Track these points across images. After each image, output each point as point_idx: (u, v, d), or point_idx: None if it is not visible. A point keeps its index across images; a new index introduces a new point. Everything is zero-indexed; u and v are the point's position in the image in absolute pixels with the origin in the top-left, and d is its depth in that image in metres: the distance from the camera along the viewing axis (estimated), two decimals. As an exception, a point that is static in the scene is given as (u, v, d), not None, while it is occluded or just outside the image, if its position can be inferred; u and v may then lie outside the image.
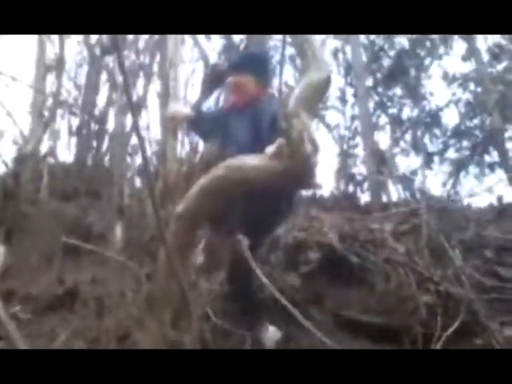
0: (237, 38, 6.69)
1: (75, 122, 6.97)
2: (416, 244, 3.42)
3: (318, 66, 2.06)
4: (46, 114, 5.77)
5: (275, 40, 7.36)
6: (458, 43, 7.79)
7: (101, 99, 7.15)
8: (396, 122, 8.08)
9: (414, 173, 7.81)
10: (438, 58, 7.89)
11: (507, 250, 3.66)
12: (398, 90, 8.02)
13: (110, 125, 6.72)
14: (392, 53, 7.86)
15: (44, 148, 6.02)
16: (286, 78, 7.82)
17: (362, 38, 7.71)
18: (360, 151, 7.66)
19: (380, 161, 6.96)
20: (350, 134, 7.99)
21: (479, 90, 7.68)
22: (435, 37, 7.62)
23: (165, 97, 4.73)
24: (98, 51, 6.94)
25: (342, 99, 8.13)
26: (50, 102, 5.98)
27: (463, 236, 3.79)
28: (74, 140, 7.03)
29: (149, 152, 5.08)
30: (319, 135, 7.91)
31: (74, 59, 7.62)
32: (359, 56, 7.34)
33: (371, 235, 3.56)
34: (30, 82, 6.04)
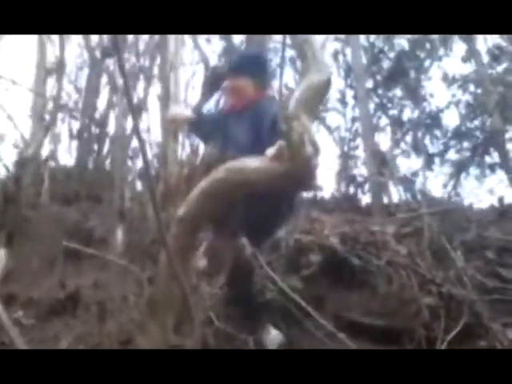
0: (237, 40, 6.71)
1: (76, 125, 6.99)
2: (418, 246, 3.42)
3: (319, 68, 2.06)
4: (47, 117, 5.76)
5: (275, 42, 7.38)
6: (458, 45, 7.79)
7: (101, 102, 7.17)
8: (396, 123, 8.07)
9: (414, 174, 7.80)
10: (438, 59, 7.89)
11: (509, 250, 3.65)
12: (398, 92, 8.01)
13: (111, 128, 6.73)
14: (392, 55, 7.86)
15: (45, 152, 6.03)
16: (286, 80, 7.80)
17: (362, 40, 7.70)
18: (361, 153, 7.66)
19: (381, 162, 6.94)
20: (351, 135, 7.98)
21: (479, 91, 7.67)
22: (435, 38, 7.63)
23: (165, 99, 4.73)
24: (98, 54, 6.95)
25: (343, 101, 8.12)
26: (50, 105, 5.98)
27: (465, 237, 3.78)
28: (74, 143, 7.05)
29: (149, 155, 5.09)
30: (320, 137, 7.90)
31: (74, 62, 7.64)
32: (359, 58, 7.33)
33: (373, 237, 3.55)
34: (31, 86, 6.05)
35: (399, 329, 2.72)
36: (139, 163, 5.41)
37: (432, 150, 7.98)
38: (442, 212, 4.39)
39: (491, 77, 7.50)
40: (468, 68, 7.92)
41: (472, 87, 7.90)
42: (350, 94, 8.05)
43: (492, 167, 7.60)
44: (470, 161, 7.81)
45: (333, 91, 7.88)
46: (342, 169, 7.79)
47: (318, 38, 2.80)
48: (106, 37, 6.54)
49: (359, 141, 7.74)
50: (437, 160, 7.94)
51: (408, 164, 8.11)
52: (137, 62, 6.21)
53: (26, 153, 5.04)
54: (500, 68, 7.72)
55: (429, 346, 2.54)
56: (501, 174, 7.34)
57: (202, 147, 3.84)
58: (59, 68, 5.85)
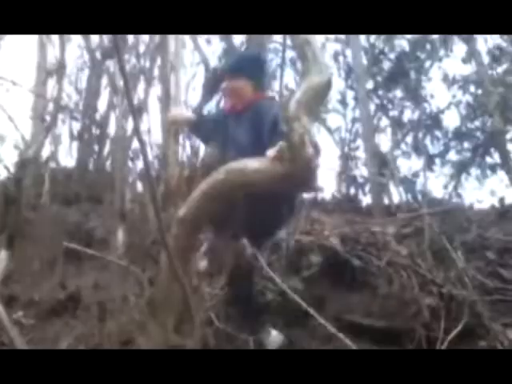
0: (237, 42, 6.71)
1: (76, 126, 6.98)
2: (418, 246, 3.42)
3: (319, 69, 2.06)
4: (48, 118, 5.76)
5: (275, 43, 7.39)
6: (458, 45, 7.79)
7: (102, 103, 7.16)
8: (397, 124, 8.06)
9: (415, 175, 7.79)
10: (439, 60, 7.88)
11: (510, 251, 3.65)
12: (399, 93, 8.01)
13: (112, 129, 6.72)
14: (392, 56, 7.86)
15: (45, 153, 6.03)
16: (287, 82, 7.81)
17: (363, 41, 7.71)
18: (361, 154, 7.66)
19: (381, 163, 6.95)
20: (351, 136, 7.99)
21: (480, 92, 7.67)
22: (435, 39, 7.63)
23: (166, 101, 4.73)
24: (98, 55, 6.95)
25: (343, 102, 8.12)
26: (51, 106, 5.98)
27: (465, 238, 3.78)
28: (75, 144, 7.04)
29: (150, 156, 5.09)
30: (320, 138, 7.91)
31: (74, 64, 7.63)
32: (360, 59, 7.33)
33: (373, 238, 3.55)
34: (31, 87, 6.06)
35: (400, 329, 2.72)
36: (140, 164, 5.40)
37: (432, 150, 7.97)
38: (443, 213, 4.38)
39: (492, 77, 7.50)
40: (468, 69, 7.92)
41: (472, 88, 7.89)
42: (350, 95, 8.08)
43: (493, 168, 7.59)
44: (470, 161, 7.81)
45: (333, 92, 7.90)
46: (342, 170, 7.80)
47: (319, 40, 2.80)
48: (106, 38, 6.54)
49: (360, 142, 7.76)
50: (437, 161, 7.93)
51: (408, 165, 8.08)
52: (137, 64, 6.21)
53: (27, 154, 5.04)
54: (500, 69, 7.73)
55: (429, 346, 2.54)
56: (501, 175, 7.35)
57: (202, 148, 3.86)
58: (60, 69, 5.84)
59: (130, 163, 5.32)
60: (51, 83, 6.10)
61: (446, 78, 8.00)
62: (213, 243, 2.71)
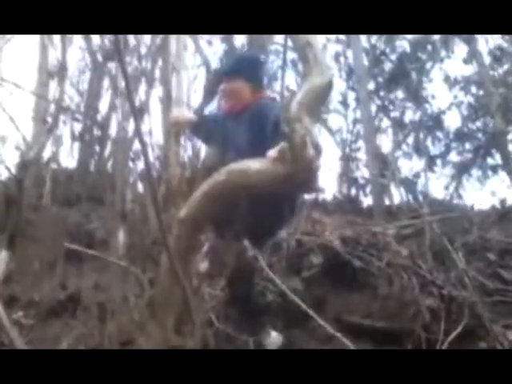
0: (238, 43, 6.71)
1: (78, 127, 6.98)
2: (419, 247, 3.42)
3: (320, 71, 2.06)
4: (49, 119, 5.77)
5: (277, 44, 7.39)
6: (459, 46, 7.79)
7: (103, 105, 7.17)
8: (398, 125, 8.06)
9: (416, 176, 7.79)
10: (440, 61, 7.89)
11: (510, 252, 3.65)
12: (400, 94, 8.02)
13: (113, 130, 6.72)
14: (393, 56, 7.86)
15: (47, 154, 6.03)
16: (288, 83, 7.80)
17: (364, 42, 7.71)
18: (362, 155, 7.65)
19: (382, 164, 6.95)
20: (353, 137, 7.97)
21: (481, 92, 7.67)
22: (436, 40, 7.63)
23: (167, 102, 4.74)
24: (100, 57, 6.96)
25: (344, 103, 8.12)
26: (52, 108, 5.99)
27: (466, 239, 3.78)
28: (76, 146, 7.03)
29: (151, 157, 5.08)
30: (321, 139, 7.91)
31: (76, 65, 7.64)
32: (361, 60, 7.33)
33: (374, 239, 3.55)
34: (33, 89, 6.06)
35: (400, 330, 2.72)
36: (141, 165, 5.39)
37: (434, 151, 7.98)
38: (444, 216, 4.38)
39: (493, 78, 7.50)
40: (470, 69, 7.93)
41: (474, 89, 7.89)
42: (351, 96, 8.07)
43: (494, 169, 7.59)
44: (471, 162, 7.81)
45: (334, 93, 7.93)
46: (343, 171, 7.79)
47: (320, 41, 2.80)
48: (107, 40, 6.54)
49: (361, 143, 7.75)
50: (438, 162, 7.93)
51: (410, 166, 8.08)
52: (139, 65, 6.22)
53: (28, 155, 5.05)
54: (502, 69, 7.73)
55: (429, 347, 2.54)
56: (503, 176, 7.35)
57: (203, 149, 3.86)
58: (61, 71, 5.85)
59: (131, 164, 5.32)
60: (53, 85, 6.12)
61: (447, 79, 8.01)
62: (214, 244, 2.71)
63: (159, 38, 5.65)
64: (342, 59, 8.11)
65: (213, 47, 7.34)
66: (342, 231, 3.62)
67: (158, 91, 5.62)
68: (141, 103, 5.71)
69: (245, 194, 2.08)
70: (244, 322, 2.61)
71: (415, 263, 3.19)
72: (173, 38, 5.06)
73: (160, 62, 5.68)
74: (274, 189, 2.00)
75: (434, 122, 7.94)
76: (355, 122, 7.93)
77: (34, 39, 6.33)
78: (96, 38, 6.84)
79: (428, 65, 7.92)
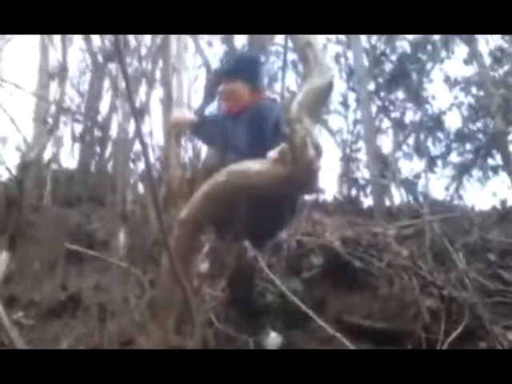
0: (238, 44, 6.71)
1: (78, 128, 6.98)
2: (419, 248, 3.42)
3: (320, 71, 2.06)
4: (50, 120, 5.78)
5: (277, 45, 7.39)
6: (460, 47, 7.80)
7: (104, 106, 7.18)
8: (398, 125, 8.07)
9: (417, 177, 7.80)
10: (440, 61, 7.89)
11: (511, 253, 3.64)
12: (400, 94, 8.02)
13: (113, 131, 6.73)
14: (394, 57, 7.86)
15: (47, 155, 6.04)
16: (289, 84, 7.82)
17: (364, 42, 7.71)
18: (363, 155, 7.66)
19: (383, 165, 6.95)
20: (353, 138, 7.98)
21: (481, 93, 7.67)
22: (437, 40, 7.63)
23: (167, 103, 4.75)
24: (100, 58, 6.97)
25: (345, 104, 8.12)
26: (53, 109, 6.00)
27: (467, 239, 3.78)
28: (77, 146, 7.04)
29: (152, 158, 5.08)
30: (322, 140, 7.91)
31: (76, 66, 7.65)
32: (361, 60, 7.33)
33: (374, 239, 3.55)
34: (33, 90, 6.07)
35: (400, 331, 2.72)
36: (141, 166, 5.40)
37: (434, 152, 7.99)
38: (445, 217, 4.37)
39: (493, 79, 7.50)
40: (470, 70, 7.94)
41: (474, 89, 7.90)
42: (352, 96, 8.08)
43: (494, 169, 7.59)
44: (472, 163, 7.81)
45: (335, 94, 7.92)
46: (344, 171, 7.79)
47: (320, 42, 2.81)
48: (108, 41, 6.55)
49: (361, 143, 7.76)
50: (439, 162, 7.94)
51: (410, 166, 8.09)
52: (139, 66, 6.22)
53: (29, 156, 5.06)
54: (502, 70, 7.73)
55: (429, 347, 2.54)
56: (503, 176, 7.35)
57: (204, 150, 3.86)
58: (62, 72, 5.86)
59: (131, 165, 5.32)
60: (53, 86, 6.13)
61: (447, 80, 8.01)
62: (214, 245, 2.72)
63: (159, 38, 5.66)
64: (342, 60, 8.12)
65: (213, 48, 7.35)
66: (342, 232, 3.62)
67: (158, 92, 5.63)
68: (141, 104, 5.72)
69: (245, 195, 2.08)
70: (244, 322, 2.61)
71: (415, 264, 3.19)
72: (173, 39, 5.06)
73: (160, 63, 5.69)
74: (275, 190, 2.00)
75: (435, 123, 7.94)
76: (356, 122, 7.94)
77: (35, 39, 6.35)
78: (96, 39, 6.86)
79: (428, 65, 7.93)
